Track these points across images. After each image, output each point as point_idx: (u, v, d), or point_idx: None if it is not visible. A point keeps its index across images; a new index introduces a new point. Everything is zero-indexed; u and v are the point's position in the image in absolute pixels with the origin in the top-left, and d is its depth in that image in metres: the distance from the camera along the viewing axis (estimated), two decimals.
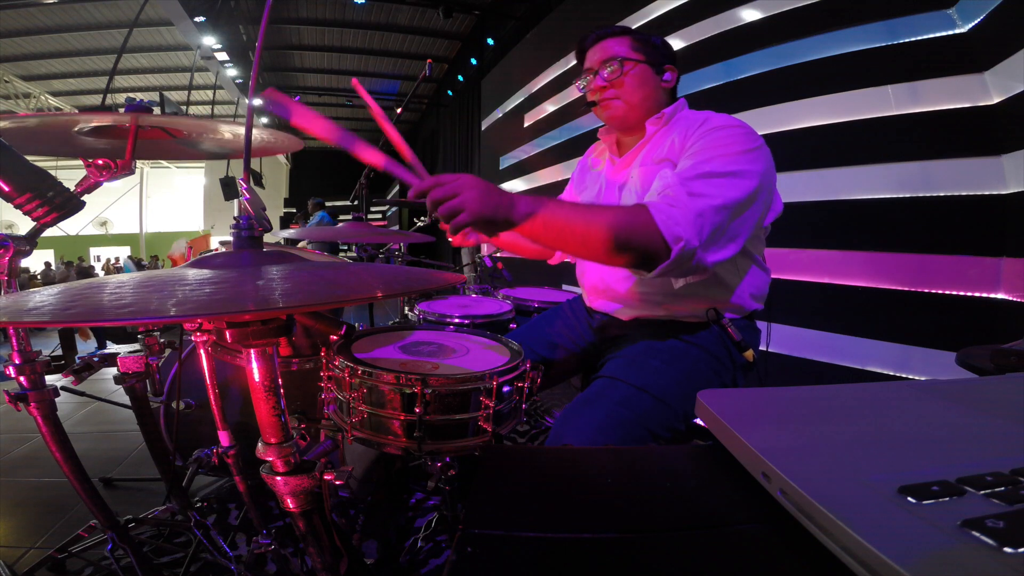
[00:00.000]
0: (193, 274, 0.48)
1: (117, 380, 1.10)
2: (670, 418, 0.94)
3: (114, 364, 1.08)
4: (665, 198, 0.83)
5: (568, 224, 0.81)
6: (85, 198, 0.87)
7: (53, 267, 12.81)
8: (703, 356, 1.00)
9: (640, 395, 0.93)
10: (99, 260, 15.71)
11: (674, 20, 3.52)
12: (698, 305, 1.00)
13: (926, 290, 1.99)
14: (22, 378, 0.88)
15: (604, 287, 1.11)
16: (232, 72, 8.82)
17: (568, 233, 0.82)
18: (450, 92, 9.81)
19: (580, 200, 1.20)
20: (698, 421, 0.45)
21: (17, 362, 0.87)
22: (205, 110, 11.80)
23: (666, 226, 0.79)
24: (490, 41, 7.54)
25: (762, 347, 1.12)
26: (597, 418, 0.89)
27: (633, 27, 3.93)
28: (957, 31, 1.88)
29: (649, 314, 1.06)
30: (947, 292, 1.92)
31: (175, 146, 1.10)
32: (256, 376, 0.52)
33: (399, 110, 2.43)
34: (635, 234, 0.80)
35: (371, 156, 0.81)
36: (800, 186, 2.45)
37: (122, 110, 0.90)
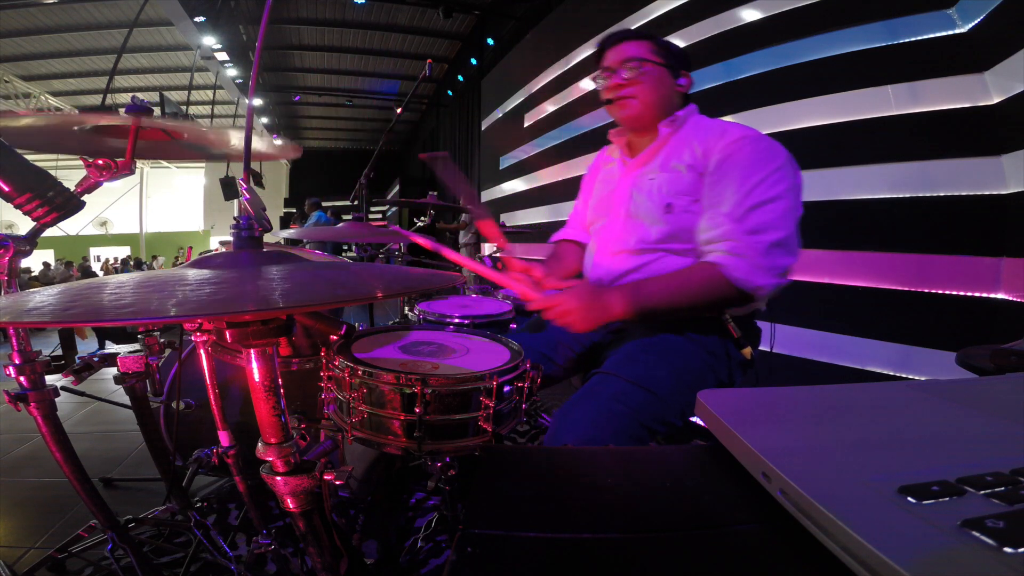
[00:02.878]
0: (193, 274, 0.48)
1: (117, 380, 1.10)
2: (663, 412, 0.95)
3: (114, 364, 1.08)
4: (728, 246, 0.90)
5: (659, 307, 0.93)
6: (85, 198, 0.87)
7: (52, 267, 12.81)
8: (698, 352, 1.01)
9: (633, 389, 0.94)
10: (99, 260, 15.70)
11: (674, 20, 3.52)
12: None
13: (926, 290, 1.99)
14: (22, 378, 0.88)
15: (610, 280, 1.12)
16: (232, 72, 8.83)
17: (661, 312, 0.94)
18: (450, 92, 9.82)
19: (591, 202, 1.24)
20: (698, 421, 0.45)
21: (17, 362, 0.87)
22: (205, 110, 11.80)
23: (741, 283, 0.89)
24: (490, 41, 7.55)
25: (766, 348, 1.13)
26: (591, 412, 0.91)
27: (634, 27, 3.92)
28: (957, 31, 1.88)
29: None
30: (947, 292, 1.92)
31: (175, 147, 1.10)
32: (256, 376, 0.52)
33: (399, 110, 2.43)
34: (717, 297, 0.91)
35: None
36: None
37: (122, 110, 0.90)
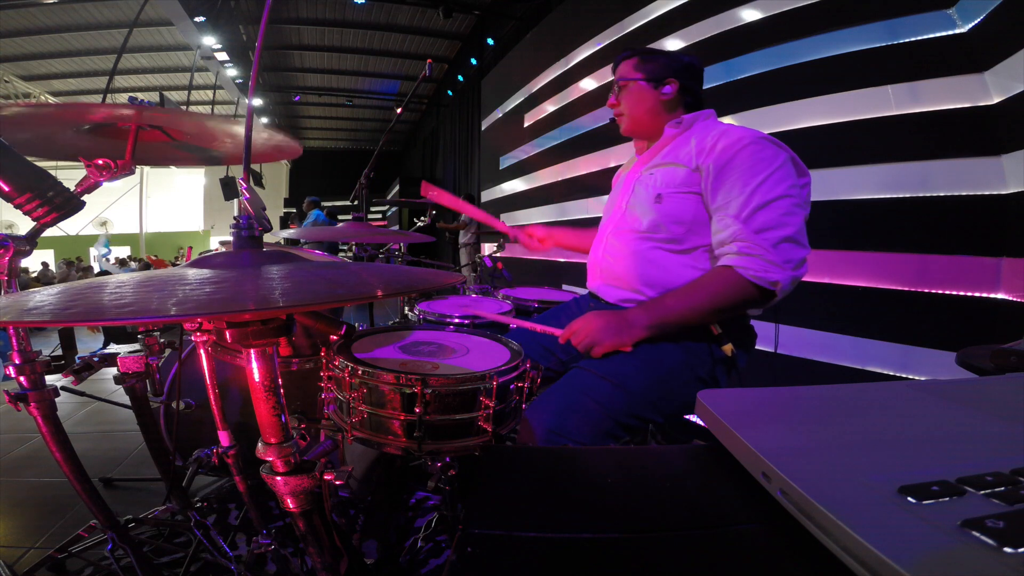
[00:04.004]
0: (193, 274, 0.48)
1: (117, 380, 1.10)
2: (632, 405, 0.97)
3: (114, 364, 1.08)
4: (739, 247, 0.93)
5: (682, 317, 0.96)
6: (85, 198, 0.87)
7: (52, 267, 12.78)
8: (674, 348, 1.02)
9: (600, 382, 0.97)
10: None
11: (674, 20, 3.52)
12: None
13: (926, 290, 1.98)
14: (22, 378, 0.88)
15: (605, 264, 1.17)
16: (232, 72, 8.82)
17: (686, 321, 0.97)
18: (450, 92, 9.81)
19: (607, 200, 1.32)
20: (698, 421, 0.45)
21: (17, 362, 0.87)
22: (205, 110, 11.80)
23: (757, 279, 0.91)
24: (490, 41, 7.54)
25: (770, 348, 1.13)
26: (557, 404, 0.95)
27: (634, 26, 3.91)
28: (957, 31, 1.88)
29: (633, 297, 1.10)
30: (947, 292, 1.92)
31: (174, 151, 1.10)
32: (256, 376, 0.52)
33: (399, 110, 2.43)
34: (737, 298, 0.93)
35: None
36: None
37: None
